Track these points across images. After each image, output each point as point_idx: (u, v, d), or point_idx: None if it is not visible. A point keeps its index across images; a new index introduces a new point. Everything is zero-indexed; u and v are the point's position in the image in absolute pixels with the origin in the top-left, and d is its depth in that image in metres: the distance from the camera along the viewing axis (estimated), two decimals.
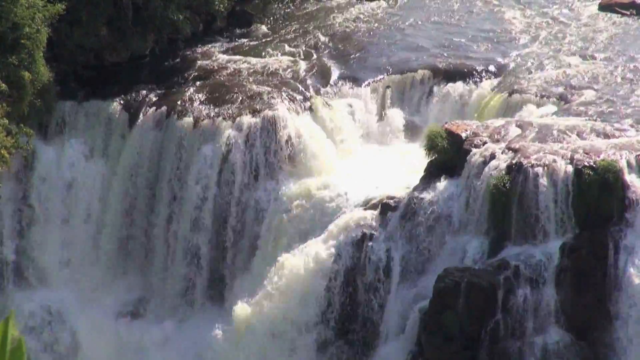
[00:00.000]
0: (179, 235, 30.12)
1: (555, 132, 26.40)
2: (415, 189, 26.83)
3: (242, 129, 29.60)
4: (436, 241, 26.01)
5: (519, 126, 27.22)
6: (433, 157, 27.17)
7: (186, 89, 31.90)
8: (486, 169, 25.43)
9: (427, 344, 24.96)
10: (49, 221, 31.34)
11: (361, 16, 39.05)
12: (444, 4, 40.48)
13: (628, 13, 38.78)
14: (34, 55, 29.08)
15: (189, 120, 30.19)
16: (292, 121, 30.18)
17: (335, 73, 33.44)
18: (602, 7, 39.49)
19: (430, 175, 27.00)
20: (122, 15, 33.63)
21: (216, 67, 33.72)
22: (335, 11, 39.72)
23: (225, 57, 34.69)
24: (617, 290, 23.98)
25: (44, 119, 31.26)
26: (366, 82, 33.14)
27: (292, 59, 34.27)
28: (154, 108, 31.14)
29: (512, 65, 33.65)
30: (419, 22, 38.35)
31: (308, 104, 31.26)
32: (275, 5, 40.72)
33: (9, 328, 4.20)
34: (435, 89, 32.91)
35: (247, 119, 29.76)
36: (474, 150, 26.20)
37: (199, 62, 34.29)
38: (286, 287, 27.51)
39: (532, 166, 24.74)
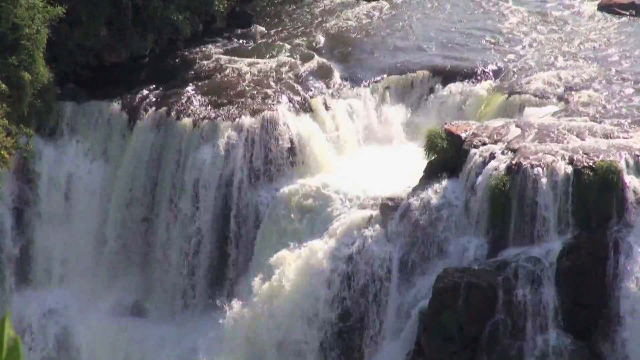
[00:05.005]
0: (179, 236, 30.12)
1: (554, 133, 26.40)
2: (414, 189, 26.82)
3: (241, 129, 29.61)
4: (436, 241, 26.00)
5: (518, 127, 27.22)
6: (433, 158, 27.17)
7: (186, 90, 31.90)
8: (486, 169, 25.43)
9: (426, 344, 24.96)
10: (49, 221, 31.35)
11: (361, 16, 39.06)
12: (444, 4, 40.49)
13: (627, 13, 38.78)
14: (33, 56, 29.08)
15: (188, 120, 30.19)
16: (292, 122, 30.20)
17: (334, 73, 33.44)
18: (602, 8, 39.49)
19: (430, 175, 27.00)
20: (122, 15, 33.63)
21: (216, 68, 33.73)
22: (335, 11, 39.72)
23: (225, 57, 34.69)
24: (617, 290, 23.98)
25: (43, 120, 31.28)
26: (366, 83, 33.14)
27: (291, 59, 34.26)
28: (154, 108, 31.14)
29: (511, 65, 33.65)
30: (419, 23, 38.36)
31: (308, 104, 31.28)
32: (275, 6, 40.72)
33: (5, 328, 4.21)
34: (435, 89, 32.92)
35: (246, 120, 29.77)
36: (474, 150, 26.19)
37: (198, 63, 34.29)
38: (285, 287, 27.50)
39: (532, 166, 24.75)
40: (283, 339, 27.53)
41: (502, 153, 25.66)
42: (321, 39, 36.43)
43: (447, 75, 33.15)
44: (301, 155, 29.94)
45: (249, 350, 27.99)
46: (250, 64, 33.80)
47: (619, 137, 26.16)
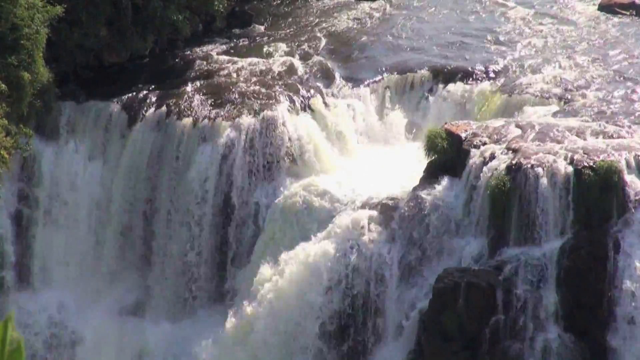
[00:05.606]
0: (179, 236, 30.11)
1: (555, 133, 26.40)
2: (415, 189, 26.83)
3: (241, 129, 29.60)
4: (436, 241, 26.00)
5: (518, 127, 27.22)
6: (433, 158, 27.17)
7: (186, 89, 31.89)
8: (486, 169, 25.43)
9: (426, 344, 24.96)
10: (49, 222, 31.34)
11: (361, 16, 39.06)
12: (444, 4, 40.48)
13: (628, 13, 38.78)
14: (33, 56, 29.07)
15: (188, 120, 30.19)
16: (292, 121, 30.18)
17: (335, 73, 33.43)
18: (602, 8, 39.48)
19: (430, 175, 27.01)
20: (122, 15, 33.62)
21: (216, 68, 33.72)
22: (335, 11, 39.72)
23: (225, 57, 34.68)
24: (617, 290, 23.98)
25: (43, 120, 31.27)
26: (366, 82, 33.13)
27: (291, 59, 34.25)
28: (154, 108, 31.14)
29: (512, 65, 33.63)
30: (419, 22, 38.35)
31: (308, 104, 31.26)
32: (275, 6, 40.71)
33: (8, 329, 4.19)
34: (435, 89, 32.90)
35: (246, 119, 29.75)
36: (474, 150, 26.20)
37: (198, 63, 34.28)
38: (285, 287, 27.49)
39: (532, 166, 24.74)
40: (283, 340, 27.50)
41: (502, 153, 25.65)
42: (321, 39, 36.42)
43: (447, 75, 33.13)
44: (301, 155, 29.91)
45: (249, 350, 27.95)
46: (250, 64, 33.78)
47: (619, 137, 26.14)
